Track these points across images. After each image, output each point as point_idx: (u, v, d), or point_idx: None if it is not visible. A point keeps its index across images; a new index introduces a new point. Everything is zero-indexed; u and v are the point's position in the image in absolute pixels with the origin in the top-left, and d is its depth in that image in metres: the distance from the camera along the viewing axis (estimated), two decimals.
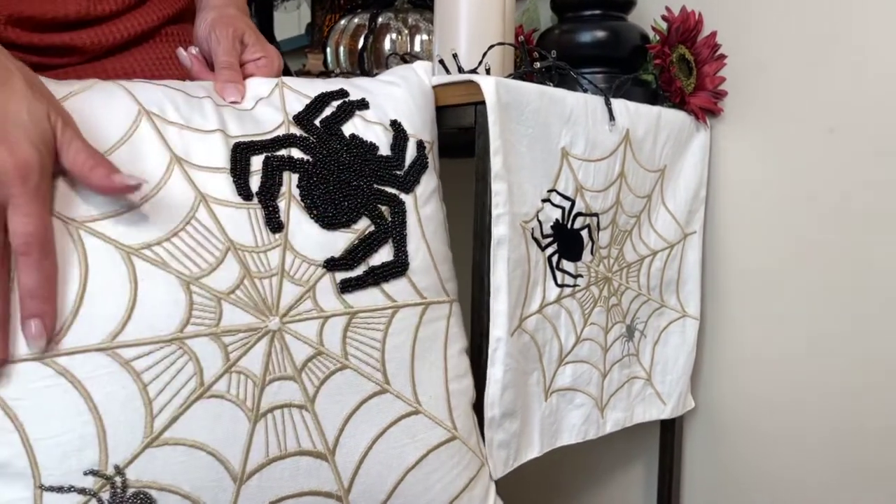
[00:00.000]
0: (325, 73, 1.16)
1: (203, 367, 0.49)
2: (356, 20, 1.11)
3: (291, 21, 1.51)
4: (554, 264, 0.80)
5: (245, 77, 0.63)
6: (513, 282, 0.72)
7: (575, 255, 0.83)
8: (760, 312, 0.98)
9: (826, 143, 0.89)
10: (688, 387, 1.00)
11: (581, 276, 0.83)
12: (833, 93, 0.88)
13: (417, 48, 1.04)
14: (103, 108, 0.52)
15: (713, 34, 0.96)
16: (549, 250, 0.80)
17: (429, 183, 0.66)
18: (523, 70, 0.83)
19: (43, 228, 0.45)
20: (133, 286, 0.48)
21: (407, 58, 1.00)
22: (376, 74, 0.74)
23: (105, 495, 0.45)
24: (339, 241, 0.57)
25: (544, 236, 0.79)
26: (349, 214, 0.58)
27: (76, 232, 0.47)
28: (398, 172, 0.63)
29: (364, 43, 1.05)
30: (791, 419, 0.96)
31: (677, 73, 0.92)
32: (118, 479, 0.46)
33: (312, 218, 0.56)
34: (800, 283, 0.93)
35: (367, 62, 1.04)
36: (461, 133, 0.74)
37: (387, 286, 0.59)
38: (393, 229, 0.61)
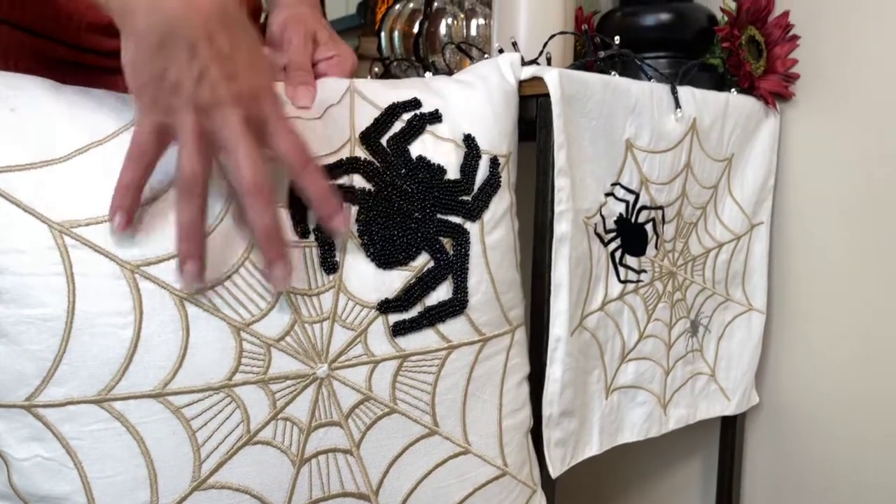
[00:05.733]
0: (380, 59, 1.13)
1: (250, 414, 0.50)
2: (411, 4, 1.09)
3: (340, 1, 1.50)
4: (617, 260, 0.78)
5: (317, 77, 0.61)
6: (574, 280, 0.70)
7: (639, 250, 0.79)
8: (830, 307, 0.92)
9: None
10: (752, 382, 0.97)
11: (645, 271, 0.80)
12: None
13: (474, 32, 1.00)
14: None
15: (785, 14, 0.90)
16: (612, 245, 0.77)
17: (499, 205, 0.62)
18: (585, 59, 0.80)
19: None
20: (185, 333, 0.48)
21: (463, 46, 0.97)
22: (441, 67, 0.71)
23: None
24: (395, 281, 0.55)
25: (607, 231, 0.76)
26: (407, 251, 0.56)
27: (131, 275, 0.48)
28: (465, 198, 0.60)
29: (420, 29, 1.02)
30: (858, 419, 0.91)
31: (747, 56, 0.86)
32: None
33: (369, 257, 0.55)
34: (872, 279, 0.87)
35: (423, 49, 1.02)
36: (521, 124, 0.71)
37: (442, 326, 0.57)
38: (454, 264, 0.58)
